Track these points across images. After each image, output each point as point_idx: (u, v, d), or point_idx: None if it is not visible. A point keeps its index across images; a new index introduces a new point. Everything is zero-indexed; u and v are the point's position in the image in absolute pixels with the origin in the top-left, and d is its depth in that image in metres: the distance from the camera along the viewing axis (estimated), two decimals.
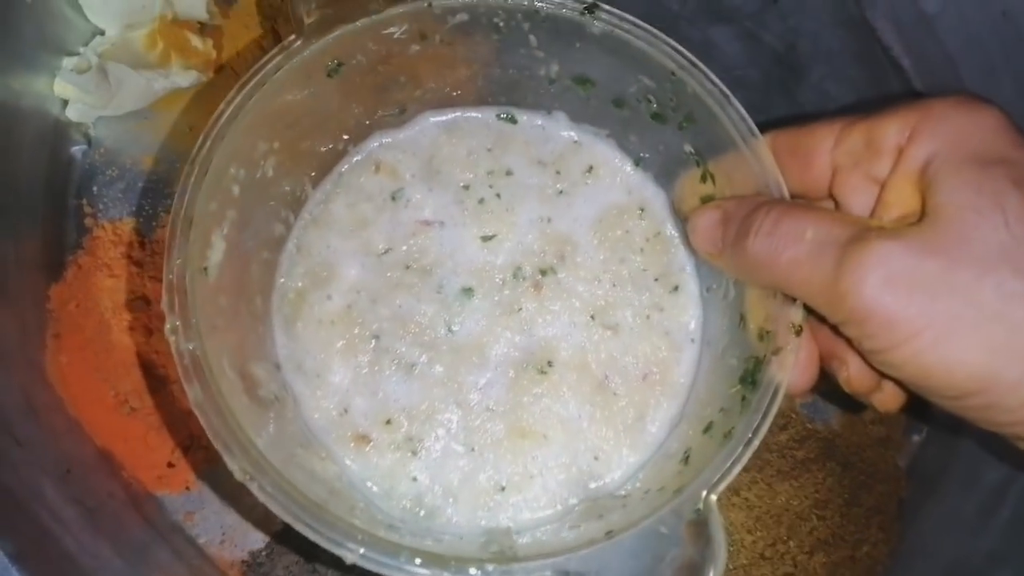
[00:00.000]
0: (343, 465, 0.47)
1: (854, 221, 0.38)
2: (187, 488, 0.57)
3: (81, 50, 0.59)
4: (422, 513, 0.48)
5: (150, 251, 0.59)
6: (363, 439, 0.48)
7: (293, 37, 0.44)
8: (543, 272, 0.51)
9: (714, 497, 0.41)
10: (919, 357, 0.35)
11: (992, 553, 0.54)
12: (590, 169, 0.53)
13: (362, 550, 0.39)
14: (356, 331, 0.50)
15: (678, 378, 0.51)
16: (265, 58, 0.43)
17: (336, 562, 0.50)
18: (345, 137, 0.51)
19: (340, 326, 0.50)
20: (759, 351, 0.44)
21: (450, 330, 0.50)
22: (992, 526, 0.55)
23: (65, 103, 0.59)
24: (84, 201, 0.59)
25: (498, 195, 0.52)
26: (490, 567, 0.39)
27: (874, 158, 0.40)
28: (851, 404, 0.51)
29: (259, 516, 0.57)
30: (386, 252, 0.51)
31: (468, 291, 0.51)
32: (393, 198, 0.52)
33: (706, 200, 0.48)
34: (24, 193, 0.55)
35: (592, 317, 0.51)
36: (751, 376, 0.43)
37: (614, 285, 0.51)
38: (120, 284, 0.57)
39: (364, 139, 0.52)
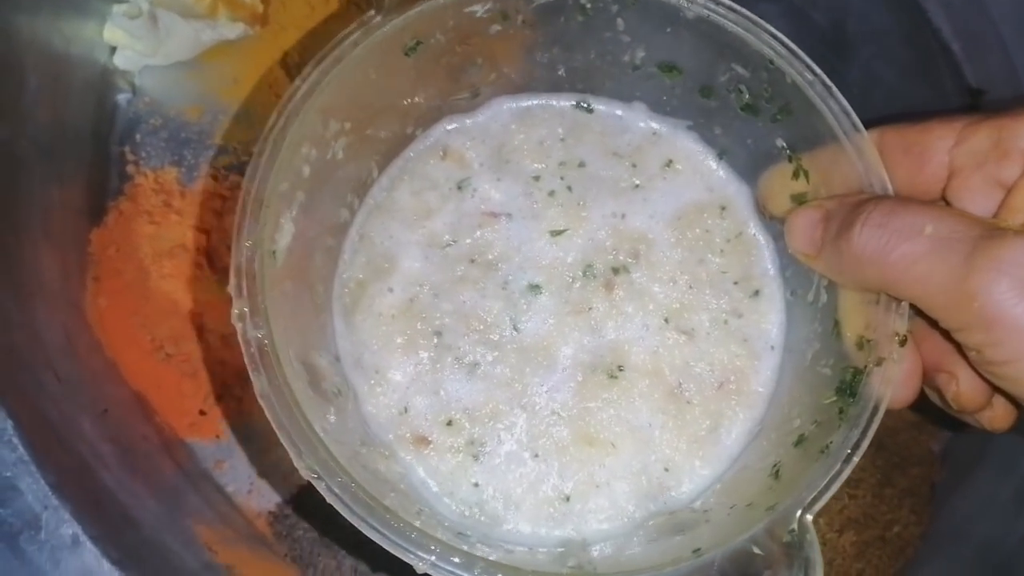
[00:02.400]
0: (406, 465, 0.45)
1: (980, 220, 0.36)
2: (217, 437, 0.57)
3: None
4: (483, 519, 0.45)
5: (190, 200, 0.59)
6: (423, 440, 0.46)
7: (372, 12, 0.41)
8: (615, 271, 0.49)
9: (809, 517, 0.38)
10: None
11: None
12: (669, 163, 0.50)
13: (434, 559, 0.36)
14: (418, 326, 0.47)
15: (756, 387, 0.48)
16: (342, 33, 0.41)
17: None
18: (415, 120, 0.49)
19: (401, 320, 0.47)
20: (858, 361, 0.41)
21: (516, 329, 0.48)
22: None
23: (113, 51, 0.59)
24: (127, 148, 0.59)
25: (569, 188, 0.50)
26: None
27: (1002, 160, 0.37)
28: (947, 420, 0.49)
29: (287, 469, 0.56)
30: (450, 244, 0.48)
31: (535, 288, 0.48)
32: (459, 187, 0.49)
33: (797, 198, 0.45)
34: (70, 138, 0.56)
35: (666, 320, 0.48)
36: (849, 387, 0.40)
37: (691, 287, 0.48)
38: (160, 231, 0.58)
39: (433, 124, 0.50)
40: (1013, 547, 0.53)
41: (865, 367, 0.40)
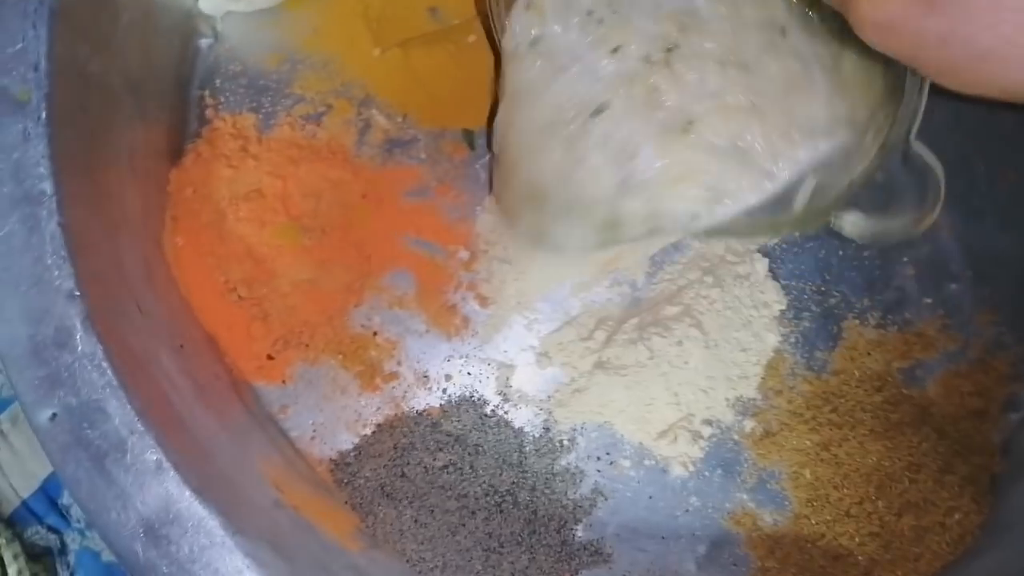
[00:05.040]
0: None
1: None
2: (283, 382, 0.57)
3: None
4: None
5: (267, 147, 0.60)
6: None
7: None
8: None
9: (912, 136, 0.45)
10: None
11: None
12: None
13: None
14: None
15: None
16: None
17: (425, 467, 0.54)
18: None
19: None
20: None
21: None
22: None
23: None
24: (207, 92, 0.60)
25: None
26: None
27: None
28: None
29: (349, 418, 0.57)
30: None
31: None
32: None
33: None
34: (155, 77, 0.57)
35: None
36: None
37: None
38: (237, 175, 0.58)
39: None
40: None
41: None
